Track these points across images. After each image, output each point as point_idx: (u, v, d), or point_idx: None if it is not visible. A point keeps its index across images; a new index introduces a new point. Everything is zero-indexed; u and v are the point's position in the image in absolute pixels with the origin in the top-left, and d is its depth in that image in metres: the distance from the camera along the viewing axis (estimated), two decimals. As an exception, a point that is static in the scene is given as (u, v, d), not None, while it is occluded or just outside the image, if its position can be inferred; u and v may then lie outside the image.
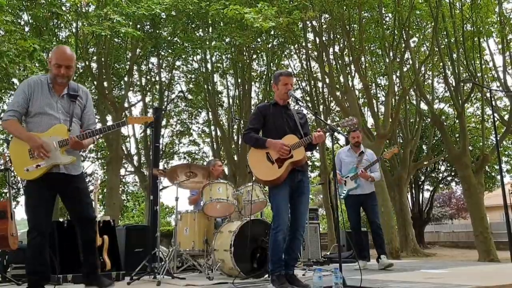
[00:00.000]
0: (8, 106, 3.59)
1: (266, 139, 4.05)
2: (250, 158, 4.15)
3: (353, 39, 15.20)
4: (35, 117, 3.53)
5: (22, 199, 20.93)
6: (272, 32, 15.89)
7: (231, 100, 19.35)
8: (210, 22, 15.85)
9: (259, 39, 16.70)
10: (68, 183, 3.59)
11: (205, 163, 18.99)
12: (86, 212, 3.66)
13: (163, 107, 18.79)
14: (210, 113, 19.08)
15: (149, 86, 19.68)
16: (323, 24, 16.05)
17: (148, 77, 19.60)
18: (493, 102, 14.85)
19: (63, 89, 3.64)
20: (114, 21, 11.71)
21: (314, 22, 15.31)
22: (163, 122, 19.34)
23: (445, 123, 17.76)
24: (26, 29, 14.48)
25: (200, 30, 16.87)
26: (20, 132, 3.48)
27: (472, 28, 15.25)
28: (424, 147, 23.29)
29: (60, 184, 3.57)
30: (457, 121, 17.09)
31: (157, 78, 19.38)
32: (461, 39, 14.82)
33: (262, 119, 4.18)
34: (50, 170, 3.48)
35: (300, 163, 4.06)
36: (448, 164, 25.21)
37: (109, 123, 13.36)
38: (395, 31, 15.02)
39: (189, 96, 20.61)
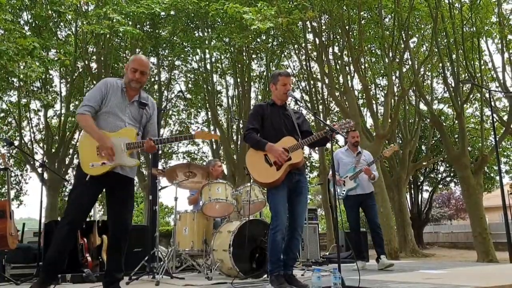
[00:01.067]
0: (84, 100, 3.69)
1: (266, 142, 4.03)
2: (248, 159, 4.14)
3: (352, 39, 15.20)
4: (103, 115, 3.65)
5: (24, 198, 20.96)
6: (271, 33, 15.88)
7: (230, 100, 19.35)
8: (209, 22, 15.83)
9: (258, 39, 16.69)
10: (122, 184, 3.67)
11: (204, 163, 18.98)
12: (125, 218, 3.68)
13: (162, 106, 18.78)
14: (209, 113, 19.06)
15: (148, 85, 19.66)
16: (322, 24, 16.06)
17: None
18: (492, 103, 14.84)
19: (134, 95, 3.77)
20: (114, 20, 11.69)
21: (313, 23, 15.31)
22: (162, 122, 19.32)
23: (444, 124, 17.76)
24: (26, 28, 14.45)
25: (200, 30, 16.86)
26: (93, 129, 3.57)
27: (472, 29, 15.26)
28: (423, 147, 23.31)
29: (114, 183, 3.63)
30: (456, 121, 17.09)
31: (156, 78, 19.37)
32: (461, 39, 14.84)
33: (260, 118, 4.17)
34: (112, 169, 3.58)
35: (298, 165, 4.06)
36: (447, 165, 25.23)
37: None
38: (395, 31, 15.03)
39: (188, 96, 20.60)
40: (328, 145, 4.16)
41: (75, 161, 17.37)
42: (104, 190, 3.74)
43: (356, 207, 6.16)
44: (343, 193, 6.12)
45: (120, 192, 3.68)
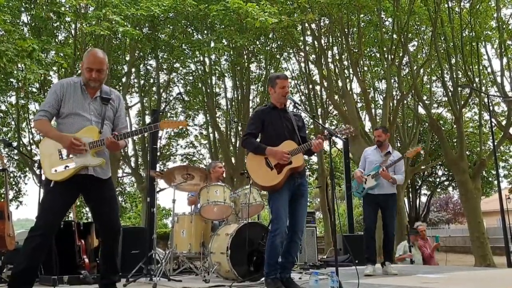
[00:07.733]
0: (40, 106, 3.52)
1: (266, 146, 4.03)
2: (249, 163, 4.14)
3: (352, 42, 15.22)
4: (66, 119, 3.46)
5: (24, 199, 20.80)
6: (271, 35, 15.88)
7: (229, 103, 19.34)
8: (209, 25, 15.82)
9: (257, 42, 16.71)
10: (96, 187, 3.48)
11: (202, 166, 18.96)
12: (111, 220, 3.51)
13: (161, 109, 18.73)
14: (207, 115, 19.05)
15: (147, 87, 19.66)
16: (322, 27, 16.08)
17: (146, 78, 19.57)
18: (491, 107, 14.86)
19: (95, 91, 3.58)
20: (113, 22, 11.69)
21: (313, 25, 15.33)
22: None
23: (442, 128, 17.77)
24: (25, 29, 14.44)
25: (199, 32, 16.86)
26: (50, 131, 3.42)
27: (471, 34, 15.29)
28: (421, 151, 23.31)
29: (87, 186, 3.46)
30: (454, 126, 17.10)
31: (155, 80, 19.36)
32: (460, 44, 14.87)
33: (261, 124, 4.16)
34: (78, 171, 3.38)
35: (299, 169, 4.07)
36: (446, 169, 25.24)
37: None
38: (394, 35, 15.05)
39: (187, 98, 20.56)
40: (327, 148, 4.16)
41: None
42: (81, 194, 3.56)
43: (375, 206, 5.82)
44: (362, 191, 5.86)
45: (98, 194, 3.50)
